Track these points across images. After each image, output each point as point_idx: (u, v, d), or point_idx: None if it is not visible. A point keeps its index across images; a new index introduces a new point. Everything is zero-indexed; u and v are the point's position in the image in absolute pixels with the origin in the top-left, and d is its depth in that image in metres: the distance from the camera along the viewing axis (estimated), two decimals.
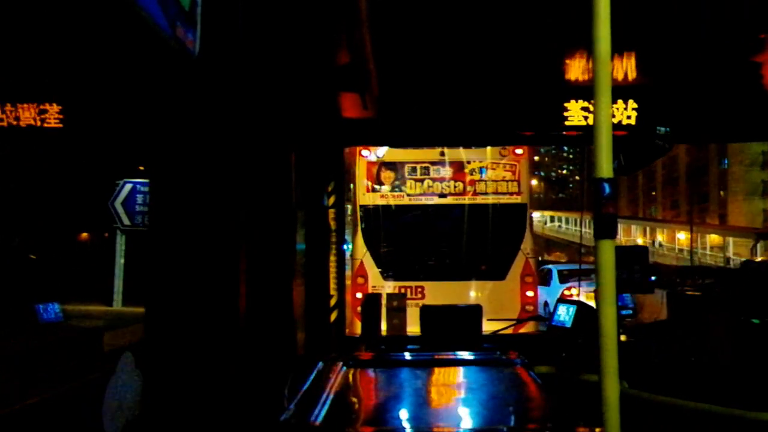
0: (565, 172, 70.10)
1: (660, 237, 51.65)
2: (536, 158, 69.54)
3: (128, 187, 9.13)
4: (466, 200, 10.44)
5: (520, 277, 10.15)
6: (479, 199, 10.43)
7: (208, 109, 3.98)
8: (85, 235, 30.61)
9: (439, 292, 9.98)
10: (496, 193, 10.44)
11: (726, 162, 54.08)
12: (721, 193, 54.31)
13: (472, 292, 10.30)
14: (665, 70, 7.01)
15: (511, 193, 10.42)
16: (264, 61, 4.75)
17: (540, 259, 26.23)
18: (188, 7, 2.67)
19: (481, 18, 7.02)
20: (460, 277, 10.28)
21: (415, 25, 6.91)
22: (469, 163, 10.52)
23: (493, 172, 10.43)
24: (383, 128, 7.60)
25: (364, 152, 10.56)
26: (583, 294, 15.76)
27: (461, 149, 10.48)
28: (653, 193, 66.66)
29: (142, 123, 5.09)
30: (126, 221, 7.80)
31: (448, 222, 10.50)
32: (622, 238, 51.28)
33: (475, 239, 10.32)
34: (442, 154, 10.45)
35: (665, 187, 63.45)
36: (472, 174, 10.50)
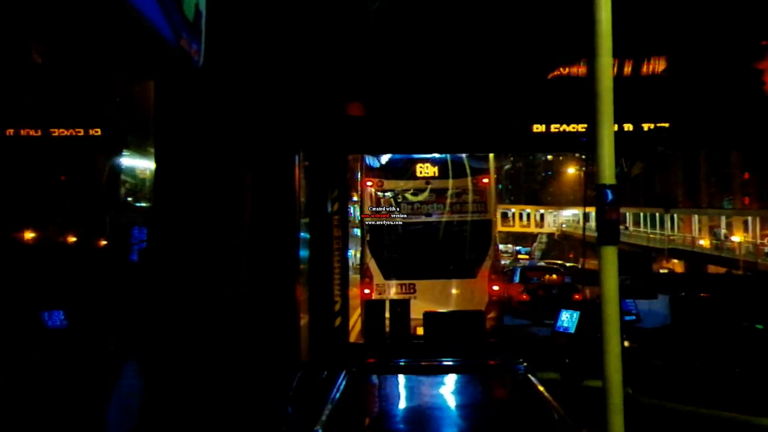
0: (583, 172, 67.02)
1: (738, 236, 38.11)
2: (560, 157, 66.90)
3: None
4: (445, 218, 13.37)
5: (487, 275, 13.02)
6: (456, 217, 13.36)
7: (214, 116, 4.01)
8: None
9: (426, 288, 12.79)
10: (469, 212, 13.32)
11: None
12: None
13: (451, 288, 12.97)
14: (665, 77, 7.02)
15: (481, 212, 13.36)
16: (268, 71, 4.78)
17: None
18: (192, 18, 2.69)
19: (480, 32, 7.04)
20: (442, 276, 13.01)
21: (418, 40, 6.94)
22: (448, 189, 13.35)
23: (466, 196, 13.32)
24: (384, 136, 7.65)
25: (368, 182, 13.38)
26: None
27: (440, 180, 13.43)
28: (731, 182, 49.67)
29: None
30: None
31: (433, 234, 13.32)
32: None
33: (453, 247, 13.21)
34: (428, 183, 13.37)
35: (743, 174, 47.93)
36: (450, 198, 13.37)
